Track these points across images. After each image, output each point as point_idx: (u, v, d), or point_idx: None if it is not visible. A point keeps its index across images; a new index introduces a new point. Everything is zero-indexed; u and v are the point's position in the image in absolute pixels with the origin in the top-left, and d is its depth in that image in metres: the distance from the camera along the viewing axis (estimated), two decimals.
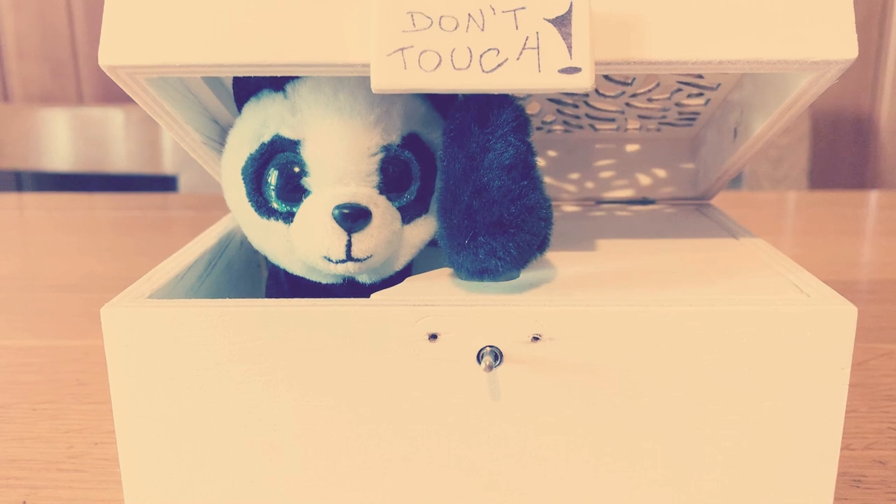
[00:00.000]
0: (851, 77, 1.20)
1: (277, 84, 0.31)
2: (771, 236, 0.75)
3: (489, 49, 0.26)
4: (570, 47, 0.26)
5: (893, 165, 1.24)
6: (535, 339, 0.27)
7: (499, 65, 0.26)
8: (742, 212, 0.86)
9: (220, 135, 0.36)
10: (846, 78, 1.19)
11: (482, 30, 0.26)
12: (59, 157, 1.11)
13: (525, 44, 0.26)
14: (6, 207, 0.94)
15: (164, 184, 1.11)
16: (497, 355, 0.27)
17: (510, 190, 0.27)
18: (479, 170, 0.27)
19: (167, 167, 1.08)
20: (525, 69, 0.26)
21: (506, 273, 0.29)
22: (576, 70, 0.26)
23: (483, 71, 0.26)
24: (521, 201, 0.27)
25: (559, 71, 0.26)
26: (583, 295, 0.29)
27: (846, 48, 0.27)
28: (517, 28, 0.26)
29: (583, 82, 0.26)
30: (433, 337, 0.27)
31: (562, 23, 0.26)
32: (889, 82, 1.21)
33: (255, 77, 0.31)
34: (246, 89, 0.32)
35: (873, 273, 0.64)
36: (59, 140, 1.11)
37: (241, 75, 0.30)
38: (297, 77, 0.31)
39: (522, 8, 0.26)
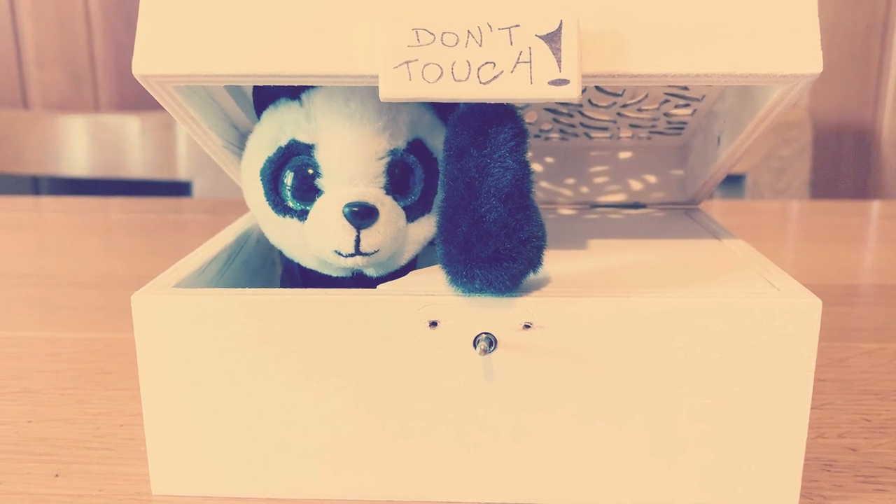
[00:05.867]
0: (854, 89, 1.22)
1: (294, 93, 0.34)
2: (771, 243, 0.78)
3: (486, 62, 0.29)
4: (559, 61, 0.29)
5: (895, 177, 1.26)
6: (527, 326, 0.30)
7: (494, 77, 0.29)
8: (743, 220, 0.88)
9: (239, 139, 0.39)
10: (848, 90, 1.21)
11: (480, 45, 0.29)
12: (77, 162, 1.14)
13: (518, 58, 0.29)
14: (25, 210, 0.97)
15: (179, 189, 1.14)
16: (491, 341, 0.30)
17: (506, 224, 0.29)
18: (478, 198, 0.29)
19: (182, 173, 1.11)
20: (518, 81, 0.29)
21: None
22: (564, 82, 0.29)
23: (480, 82, 0.29)
24: (517, 235, 0.29)
25: (549, 83, 0.29)
26: (571, 287, 0.31)
27: (812, 63, 0.30)
28: (511, 44, 0.29)
29: (570, 93, 0.28)
30: (433, 324, 0.30)
31: (552, 39, 0.29)
32: (891, 95, 1.23)
33: (273, 86, 0.34)
34: (265, 97, 0.35)
35: (867, 278, 0.66)
36: (76, 146, 1.14)
37: (260, 85, 0.33)
38: (312, 87, 0.34)
39: (517, 25, 0.29)
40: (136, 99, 1.23)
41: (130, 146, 1.12)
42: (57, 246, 0.79)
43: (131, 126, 1.12)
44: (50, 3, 1.21)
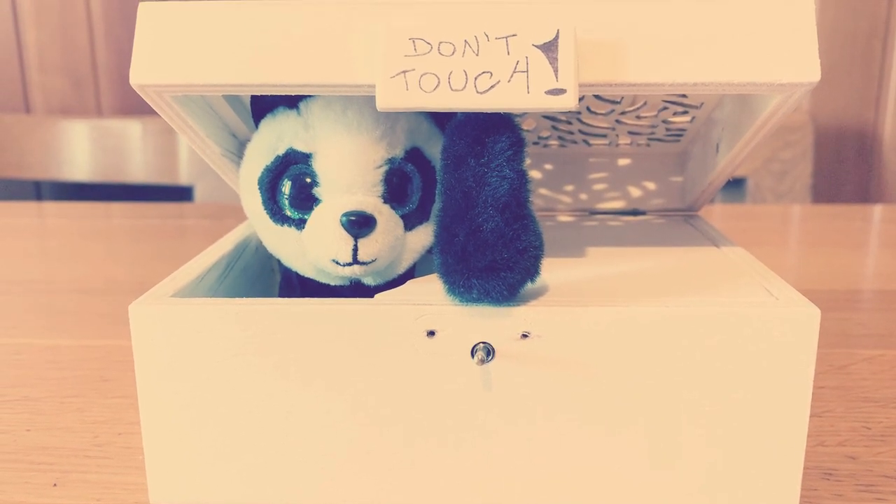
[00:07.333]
0: (855, 92, 1.22)
1: (292, 102, 0.34)
2: (772, 247, 0.77)
3: (483, 72, 0.29)
4: (556, 71, 0.29)
5: None
6: (525, 336, 0.30)
7: (491, 86, 0.29)
8: (745, 224, 0.88)
9: (237, 148, 0.39)
10: (850, 93, 1.21)
11: (477, 55, 0.29)
12: (79, 167, 1.14)
13: (515, 67, 0.29)
14: (27, 215, 0.97)
15: (180, 194, 1.14)
16: (489, 351, 0.30)
17: (503, 233, 0.29)
18: (475, 207, 0.29)
19: (183, 178, 1.11)
20: (515, 90, 0.29)
21: None
22: (561, 91, 0.29)
23: (477, 92, 0.29)
24: (514, 244, 0.29)
25: (546, 92, 0.28)
26: (569, 297, 0.31)
27: (810, 71, 0.30)
28: (508, 53, 0.29)
29: (567, 102, 0.28)
30: (431, 334, 0.30)
31: (549, 48, 0.29)
32: (892, 98, 1.23)
33: (271, 95, 0.34)
34: (263, 106, 0.35)
35: (868, 283, 0.66)
36: (78, 151, 1.14)
37: (258, 94, 0.33)
38: (310, 96, 0.34)
39: (513, 35, 0.29)
40: (138, 103, 1.24)
41: (132, 151, 1.12)
42: (59, 251, 0.79)
43: (133, 130, 1.12)
44: (52, 8, 1.22)
